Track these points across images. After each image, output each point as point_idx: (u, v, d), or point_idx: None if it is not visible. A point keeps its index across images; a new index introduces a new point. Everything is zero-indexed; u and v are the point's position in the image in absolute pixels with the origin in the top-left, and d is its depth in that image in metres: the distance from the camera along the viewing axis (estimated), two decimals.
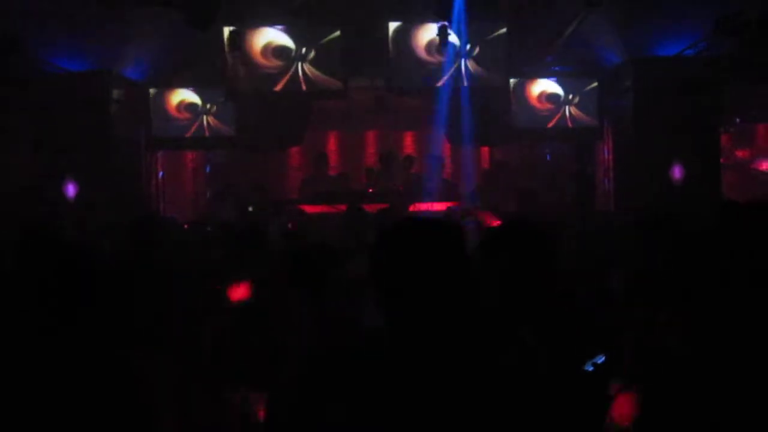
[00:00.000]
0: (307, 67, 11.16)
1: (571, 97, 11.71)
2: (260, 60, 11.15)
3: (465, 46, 11.10)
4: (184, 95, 11.74)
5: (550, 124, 11.77)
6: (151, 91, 11.67)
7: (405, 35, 11.10)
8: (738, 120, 12.89)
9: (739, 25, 8.55)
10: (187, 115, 11.75)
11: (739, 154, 13.83)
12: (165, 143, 12.05)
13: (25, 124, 10.15)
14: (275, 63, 11.19)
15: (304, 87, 11.22)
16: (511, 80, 11.52)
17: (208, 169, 13.45)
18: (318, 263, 3.68)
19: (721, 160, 11.41)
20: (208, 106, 11.74)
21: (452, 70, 11.18)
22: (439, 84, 11.21)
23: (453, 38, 10.78)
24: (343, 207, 9.88)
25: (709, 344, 2.21)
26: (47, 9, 8.86)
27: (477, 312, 2.01)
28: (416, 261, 1.86)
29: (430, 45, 11.02)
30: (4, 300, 2.39)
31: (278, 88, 11.21)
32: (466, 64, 11.18)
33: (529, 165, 13.16)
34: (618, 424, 2.53)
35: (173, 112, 11.73)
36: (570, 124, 11.77)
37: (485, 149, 13.69)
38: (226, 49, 10.68)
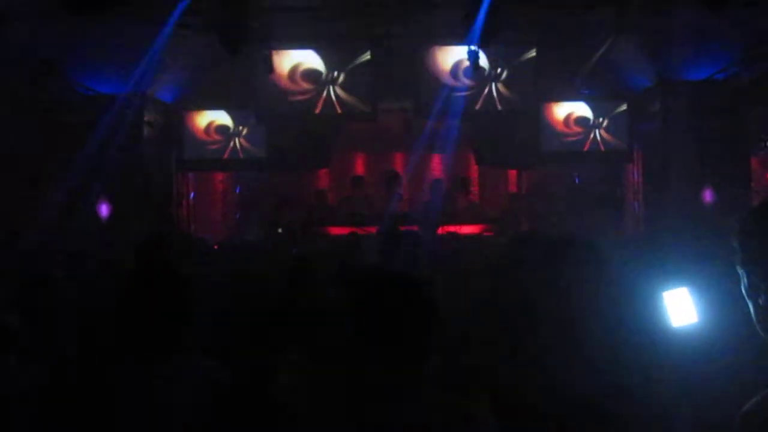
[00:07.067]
0: (338, 91, 11.25)
1: (600, 120, 11.71)
2: (291, 83, 11.27)
3: (494, 70, 11.14)
4: (215, 117, 11.87)
5: (580, 148, 11.76)
6: (184, 113, 11.83)
7: (435, 58, 11.17)
8: None
9: None
10: (218, 137, 11.88)
11: None
12: (196, 165, 12.18)
13: (60, 145, 10.29)
14: (306, 86, 11.29)
15: (334, 110, 11.31)
16: (540, 103, 11.54)
17: (237, 190, 13.55)
18: None
19: (752, 184, 11.31)
20: (240, 128, 11.86)
21: (482, 93, 11.22)
22: (468, 107, 11.24)
23: (482, 62, 10.82)
24: (372, 229, 9.90)
25: None
26: (83, 33, 9.03)
27: None
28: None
29: (459, 68, 11.07)
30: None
31: (309, 111, 11.31)
32: (495, 88, 11.22)
33: (557, 188, 13.06)
34: None
35: (205, 134, 11.88)
36: (600, 148, 11.75)
37: (513, 172, 13.65)
38: (258, 72, 10.80)
